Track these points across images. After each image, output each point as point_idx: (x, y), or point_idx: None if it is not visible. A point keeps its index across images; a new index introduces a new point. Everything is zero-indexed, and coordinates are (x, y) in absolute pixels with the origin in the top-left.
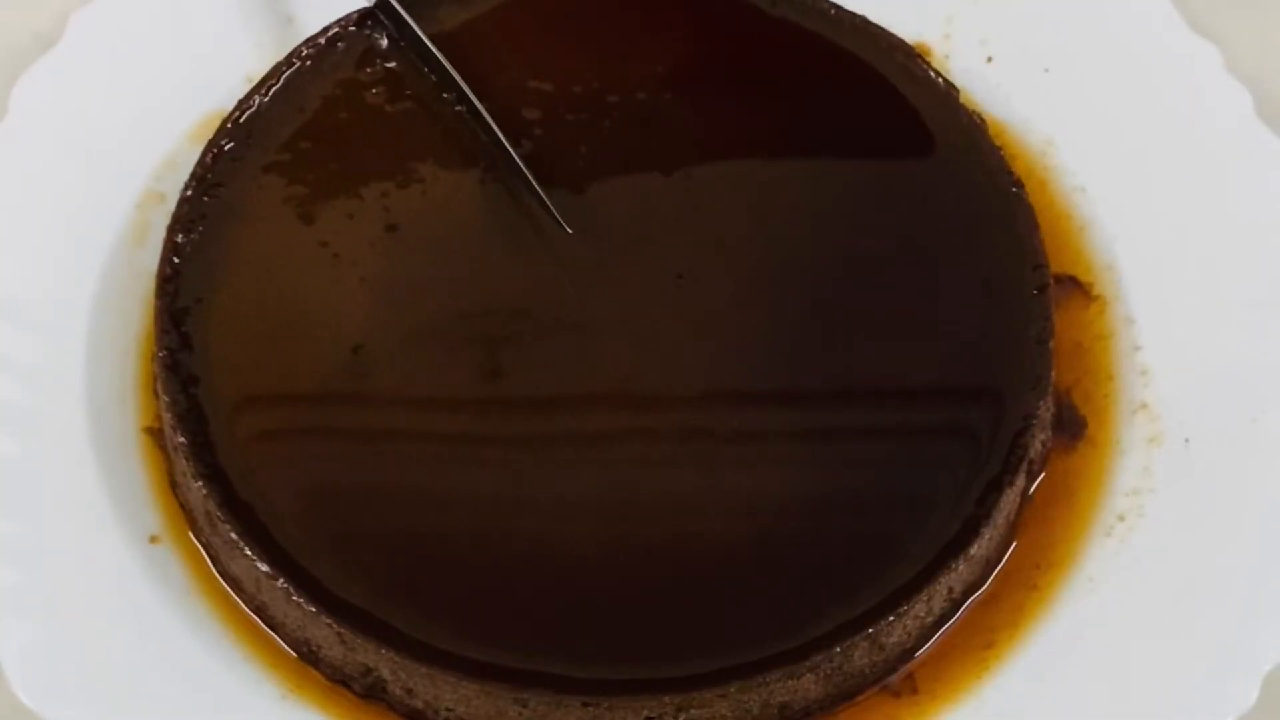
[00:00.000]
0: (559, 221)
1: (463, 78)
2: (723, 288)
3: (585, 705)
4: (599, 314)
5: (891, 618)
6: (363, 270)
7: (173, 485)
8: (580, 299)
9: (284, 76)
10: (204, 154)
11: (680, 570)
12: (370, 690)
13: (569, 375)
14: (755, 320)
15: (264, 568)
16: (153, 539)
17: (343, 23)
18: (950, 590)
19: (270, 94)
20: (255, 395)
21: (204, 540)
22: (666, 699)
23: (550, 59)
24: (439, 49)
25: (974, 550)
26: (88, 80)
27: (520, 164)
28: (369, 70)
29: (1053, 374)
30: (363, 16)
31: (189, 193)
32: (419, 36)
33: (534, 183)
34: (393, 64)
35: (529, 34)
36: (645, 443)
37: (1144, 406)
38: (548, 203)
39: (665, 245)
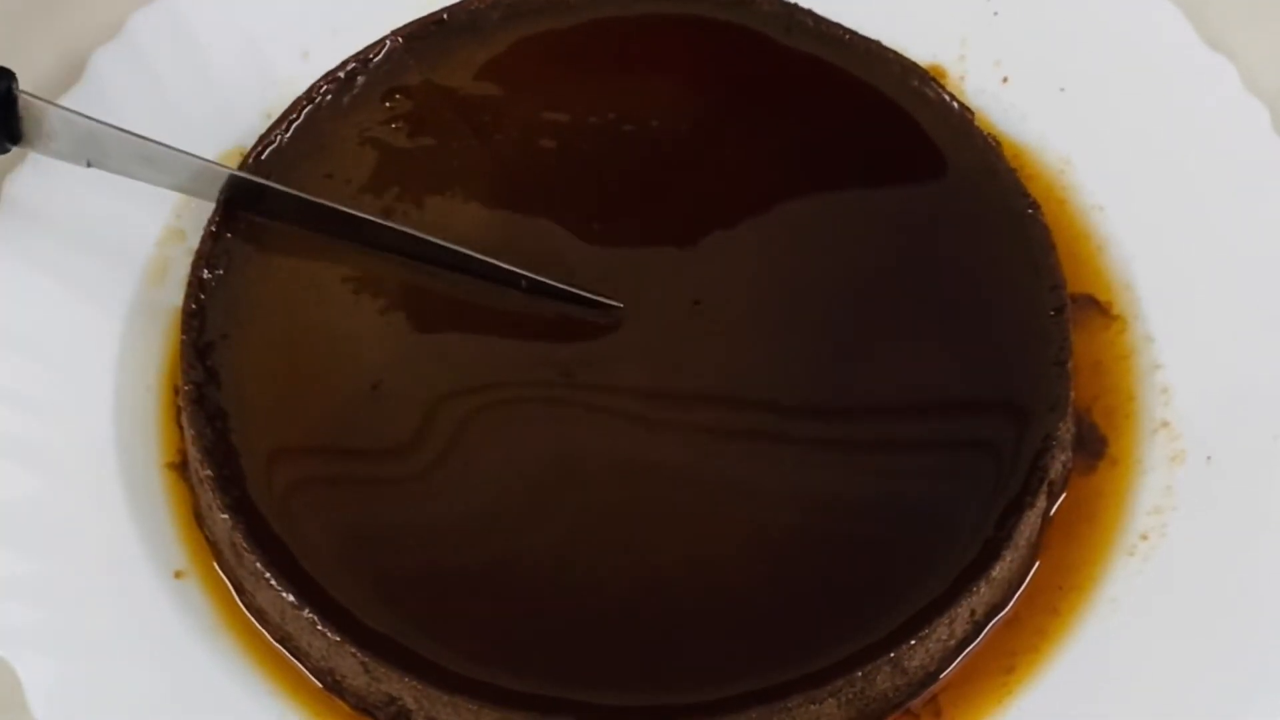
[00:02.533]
0: (578, 256)
1: (478, 110)
2: (739, 314)
3: None
4: (616, 343)
5: (913, 641)
6: (382, 304)
7: (197, 519)
8: (597, 328)
9: (304, 112)
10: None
11: (701, 596)
12: None
13: (586, 404)
14: (771, 346)
15: (290, 597)
16: (177, 574)
17: (360, 57)
18: (973, 612)
19: (291, 130)
20: (279, 428)
21: (229, 573)
22: None
23: (564, 90)
24: (456, 88)
25: (995, 572)
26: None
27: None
28: (388, 105)
29: (1072, 394)
30: (380, 50)
31: (213, 228)
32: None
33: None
34: (412, 98)
35: (543, 67)
36: (663, 470)
37: (1165, 425)
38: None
39: (681, 273)
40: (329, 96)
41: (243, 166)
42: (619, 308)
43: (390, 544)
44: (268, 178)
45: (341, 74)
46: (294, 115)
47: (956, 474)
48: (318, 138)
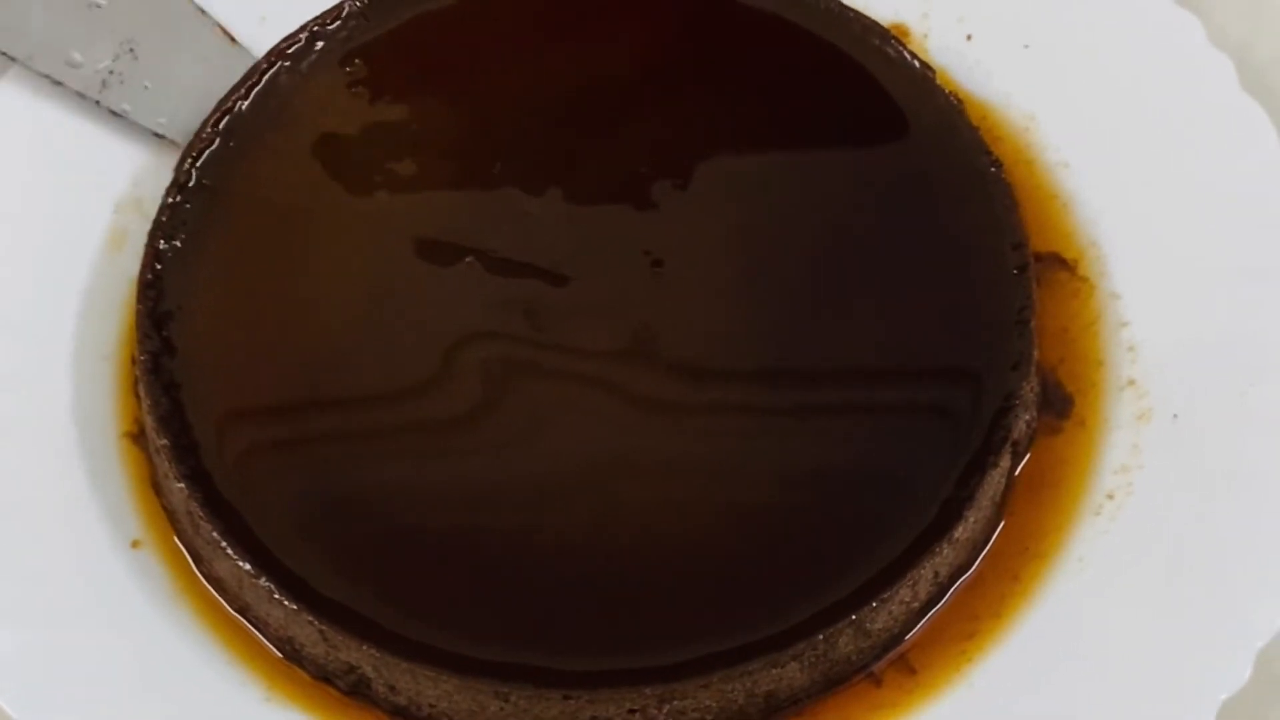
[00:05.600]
0: (539, 218)
1: (437, 71)
2: (700, 274)
3: (566, 698)
4: (577, 306)
5: (875, 603)
6: (338, 274)
7: (155, 488)
8: (559, 290)
9: (265, 77)
10: (183, 159)
11: (661, 559)
12: (354, 688)
13: (545, 368)
14: (732, 306)
15: (246, 566)
16: (134, 544)
17: (320, 20)
18: (936, 574)
19: (251, 95)
20: (236, 397)
21: (186, 542)
22: (648, 690)
23: (523, 51)
24: (415, 50)
25: (958, 533)
26: (62, 87)
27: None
28: (349, 69)
29: (1036, 353)
30: (340, 13)
31: (170, 199)
32: None
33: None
34: (372, 61)
35: (501, 27)
36: (621, 433)
37: (1131, 383)
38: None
39: (641, 234)
40: (287, 62)
41: (201, 132)
42: (580, 270)
43: (349, 512)
44: (228, 145)
45: (301, 38)
46: (253, 80)
47: (919, 434)
48: (278, 102)
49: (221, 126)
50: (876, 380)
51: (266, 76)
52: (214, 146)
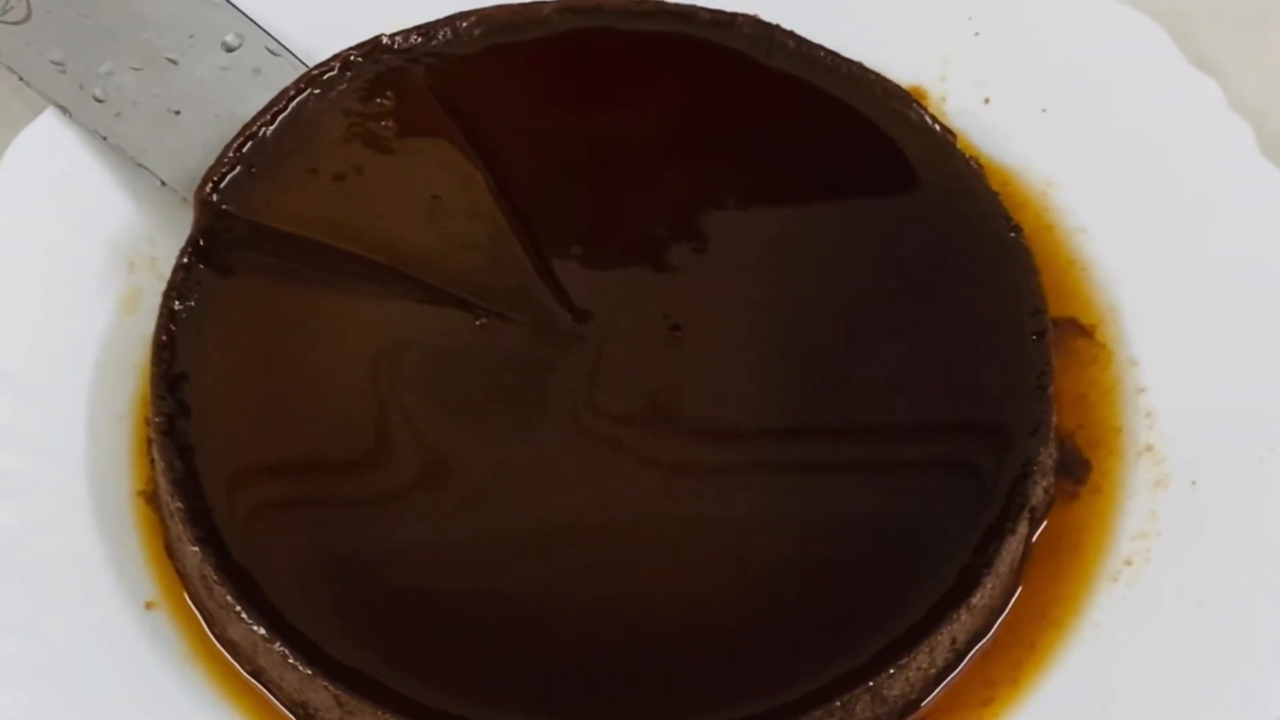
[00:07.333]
0: (555, 276)
1: (465, 120)
2: (718, 338)
3: None
4: (592, 368)
5: (892, 670)
6: (353, 333)
7: (168, 550)
8: (576, 353)
9: (291, 104)
10: (203, 184)
11: (679, 625)
12: None
13: (562, 433)
14: (750, 371)
15: (260, 630)
16: (149, 605)
17: (346, 55)
18: (954, 640)
19: (276, 121)
20: (250, 460)
21: (200, 605)
22: None
23: (547, 107)
24: (444, 96)
25: (976, 600)
26: (79, 143)
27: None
28: (379, 101)
29: (1054, 419)
30: (367, 49)
31: (185, 259)
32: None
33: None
34: (401, 99)
35: (527, 82)
36: (635, 496)
37: (1149, 449)
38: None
39: (660, 296)
40: (316, 90)
41: (223, 157)
42: (597, 333)
43: (363, 576)
44: (249, 170)
45: (331, 69)
46: (279, 106)
47: (937, 500)
48: (303, 130)
49: (245, 151)
50: (894, 446)
51: (294, 103)
52: (234, 172)
